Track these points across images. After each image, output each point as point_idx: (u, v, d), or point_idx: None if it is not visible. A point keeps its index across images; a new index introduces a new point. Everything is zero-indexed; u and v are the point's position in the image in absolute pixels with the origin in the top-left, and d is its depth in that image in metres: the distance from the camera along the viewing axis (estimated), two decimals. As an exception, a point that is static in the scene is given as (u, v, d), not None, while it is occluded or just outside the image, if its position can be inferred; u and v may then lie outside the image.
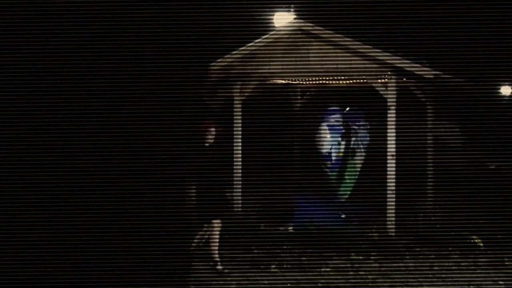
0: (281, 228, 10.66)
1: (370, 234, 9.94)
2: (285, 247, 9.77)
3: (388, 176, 10.38)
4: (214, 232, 8.95)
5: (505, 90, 11.88)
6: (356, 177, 11.22)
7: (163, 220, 3.27)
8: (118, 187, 3.27)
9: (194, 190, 7.71)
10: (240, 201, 11.08)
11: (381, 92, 10.63)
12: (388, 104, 10.45)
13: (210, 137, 9.09)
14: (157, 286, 3.34)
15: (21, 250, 3.36)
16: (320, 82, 11.66)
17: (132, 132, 3.27)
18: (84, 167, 3.26)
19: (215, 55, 3.24)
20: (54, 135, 3.30)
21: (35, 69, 3.35)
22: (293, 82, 12.04)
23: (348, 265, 8.91)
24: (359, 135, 11.31)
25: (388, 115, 10.43)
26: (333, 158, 11.41)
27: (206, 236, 9.06)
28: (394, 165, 10.32)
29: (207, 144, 9.08)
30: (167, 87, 3.31)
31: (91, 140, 3.26)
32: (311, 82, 11.86)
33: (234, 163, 10.98)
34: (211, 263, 8.94)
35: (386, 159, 10.42)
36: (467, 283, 8.11)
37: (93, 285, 3.26)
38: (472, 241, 9.56)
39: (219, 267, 8.90)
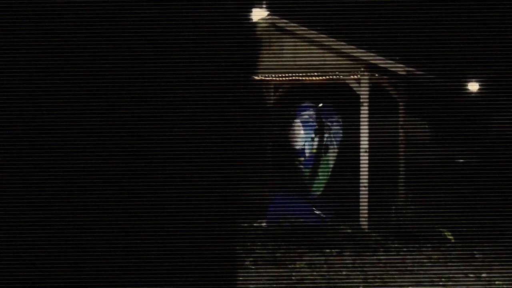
0: (255, 224, 10.79)
1: (343, 229, 10.12)
2: (259, 243, 9.89)
3: (361, 172, 10.57)
4: None
5: (473, 87, 12.15)
6: (330, 172, 11.40)
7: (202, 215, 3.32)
8: (130, 185, 3.30)
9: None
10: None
11: (354, 88, 10.81)
12: (361, 100, 10.64)
13: None
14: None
15: (21, 250, 3.35)
16: (293, 78, 11.81)
17: (145, 128, 3.29)
18: (94, 166, 3.27)
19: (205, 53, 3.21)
20: (54, 135, 3.30)
21: (35, 69, 3.34)
22: (266, 78, 12.17)
23: (322, 260, 9.07)
24: (332, 131, 11.48)
25: (361, 111, 10.63)
26: (307, 154, 11.58)
27: None
28: (367, 160, 10.52)
29: None
30: (165, 87, 3.35)
31: (96, 140, 3.27)
32: (284, 78, 12.00)
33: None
34: None
35: (359, 155, 10.61)
36: (438, 276, 8.32)
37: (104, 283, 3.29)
38: (443, 235, 9.77)
39: None
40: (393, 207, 10.79)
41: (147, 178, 3.30)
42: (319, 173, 11.39)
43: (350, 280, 8.25)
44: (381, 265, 8.82)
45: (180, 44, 3.33)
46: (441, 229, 9.81)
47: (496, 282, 8.07)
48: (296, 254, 9.34)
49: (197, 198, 3.28)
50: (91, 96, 3.32)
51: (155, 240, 3.29)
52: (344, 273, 8.51)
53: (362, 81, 10.64)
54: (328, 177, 11.32)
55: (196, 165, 3.28)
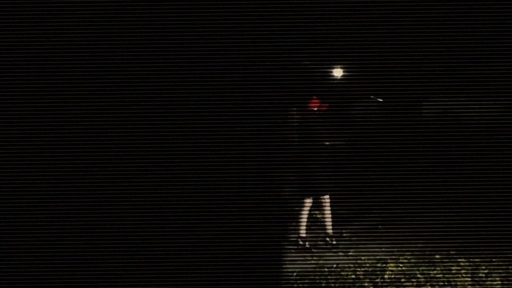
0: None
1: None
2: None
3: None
4: (305, 211, 9.71)
5: (338, 73, 13.14)
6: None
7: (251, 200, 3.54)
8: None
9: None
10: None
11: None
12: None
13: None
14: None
15: (21, 250, 3.38)
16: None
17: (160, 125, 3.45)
18: (94, 166, 3.41)
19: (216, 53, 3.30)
20: (54, 135, 3.39)
21: (35, 69, 3.39)
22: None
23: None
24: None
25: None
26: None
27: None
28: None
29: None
30: (165, 87, 3.56)
31: (95, 140, 3.43)
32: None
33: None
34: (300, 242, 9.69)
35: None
36: (311, 254, 9.26)
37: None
38: (315, 216, 10.75)
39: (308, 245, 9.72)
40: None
41: (159, 176, 3.50)
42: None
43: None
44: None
45: (182, 45, 3.54)
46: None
47: (362, 258, 9.18)
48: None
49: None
50: (91, 96, 3.48)
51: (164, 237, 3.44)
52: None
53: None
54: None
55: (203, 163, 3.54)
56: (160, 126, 3.75)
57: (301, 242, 9.87)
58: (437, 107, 9.23)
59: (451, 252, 9.18)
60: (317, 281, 8.53)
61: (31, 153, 3.57)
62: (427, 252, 9.23)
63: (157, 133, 3.75)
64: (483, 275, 8.70)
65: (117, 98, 3.70)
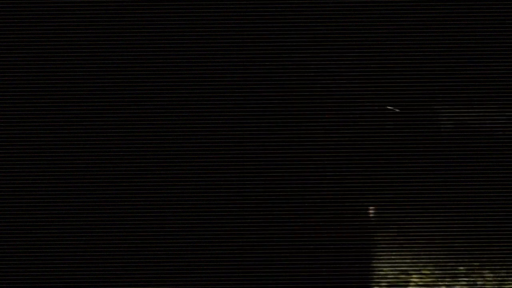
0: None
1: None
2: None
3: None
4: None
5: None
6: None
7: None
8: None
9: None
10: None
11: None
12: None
13: None
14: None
15: (21, 250, 3.46)
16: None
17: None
18: (94, 166, 3.48)
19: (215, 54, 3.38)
20: (54, 135, 3.48)
21: (35, 69, 3.49)
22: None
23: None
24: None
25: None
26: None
27: None
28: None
29: None
30: (166, 87, 3.66)
31: (95, 140, 3.50)
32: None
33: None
34: None
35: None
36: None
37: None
38: None
39: None
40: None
41: (159, 176, 3.58)
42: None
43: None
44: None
45: (182, 44, 3.64)
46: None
47: (384, 269, 9.10)
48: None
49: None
50: (91, 96, 3.58)
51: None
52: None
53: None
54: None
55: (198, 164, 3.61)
56: (160, 126, 3.81)
57: None
58: (438, 110, 9.13)
59: (475, 264, 9.04)
60: (338, 292, 8.44)
61: (31, 153, 3.63)
62: (450, 264, 9.09)
63: (157, 133, 3.81)
64: (510, 288, 8.55)
65: (117, 98, 3.77)
